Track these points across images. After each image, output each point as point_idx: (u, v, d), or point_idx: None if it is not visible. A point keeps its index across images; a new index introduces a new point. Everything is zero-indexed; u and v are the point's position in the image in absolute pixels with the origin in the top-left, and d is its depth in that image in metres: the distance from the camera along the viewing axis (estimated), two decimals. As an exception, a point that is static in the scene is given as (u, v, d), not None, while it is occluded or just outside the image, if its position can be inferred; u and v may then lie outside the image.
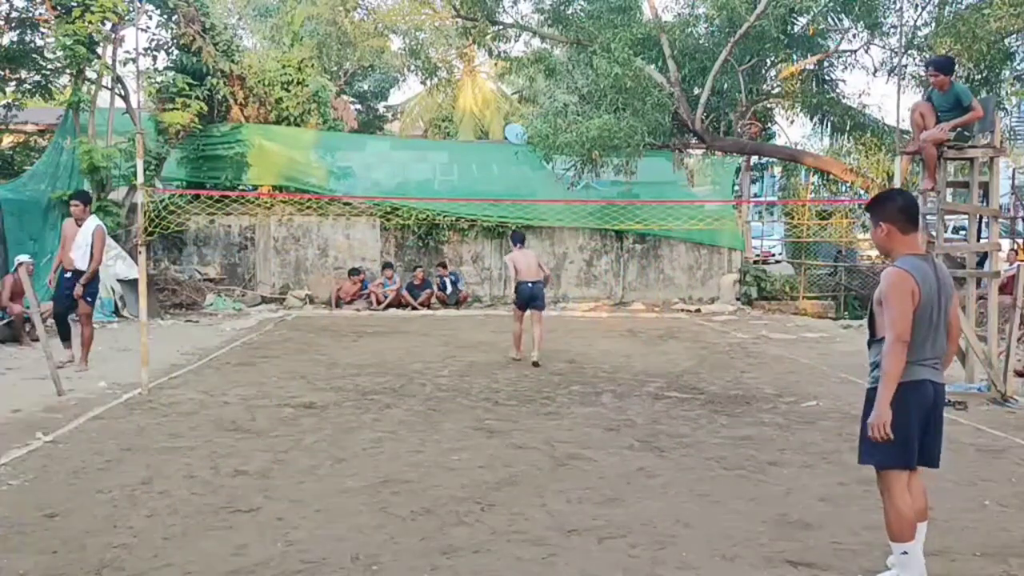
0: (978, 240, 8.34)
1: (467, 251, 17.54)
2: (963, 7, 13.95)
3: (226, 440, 6.06)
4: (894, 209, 3.55)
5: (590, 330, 13.36)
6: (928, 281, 3.44)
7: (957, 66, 8.68)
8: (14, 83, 14.28)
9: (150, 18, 15.18)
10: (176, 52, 15.54)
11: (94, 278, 8.79)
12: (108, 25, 12.72)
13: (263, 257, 17.00)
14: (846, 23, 15.79)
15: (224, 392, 7.82)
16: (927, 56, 14.07)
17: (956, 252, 9.95)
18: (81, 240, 8.67)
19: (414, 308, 15.98)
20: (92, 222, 8.82)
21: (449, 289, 16.43)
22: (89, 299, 8.78)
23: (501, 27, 17.56)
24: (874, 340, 3.63)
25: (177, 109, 14.25)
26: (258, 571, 3.79)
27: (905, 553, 3.56)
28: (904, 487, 3.57)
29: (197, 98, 14.54)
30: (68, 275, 8.73)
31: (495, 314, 15.68)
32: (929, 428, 3.58)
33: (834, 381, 8.88)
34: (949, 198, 8.84)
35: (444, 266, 16.82)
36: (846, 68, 18.55)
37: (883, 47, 15.76)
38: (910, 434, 3.50)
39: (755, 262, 18.51)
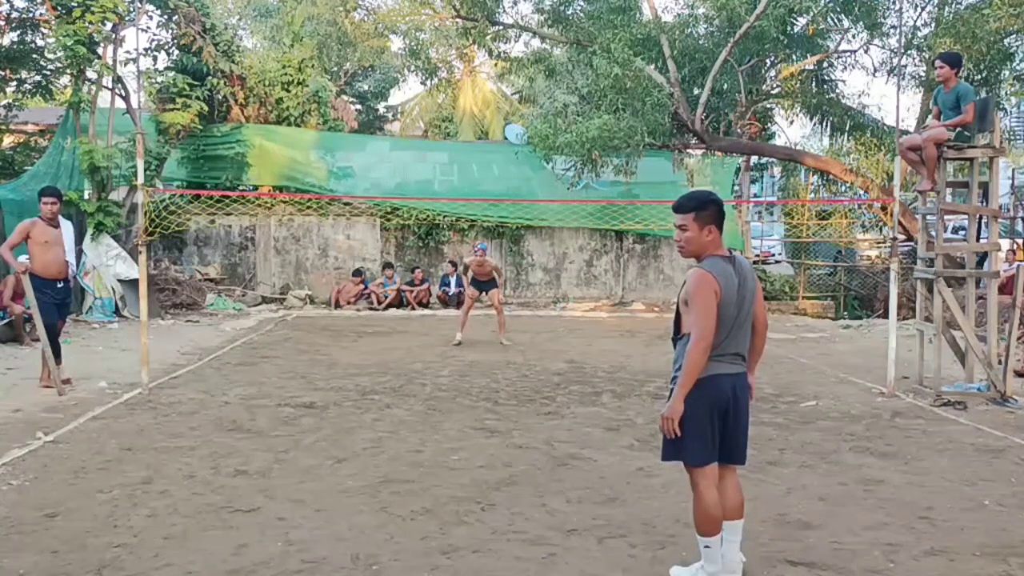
0: (978, 240, 8.34)
1: (467, 251, 17.52)
2: (963, 7, 13.94)
3: (226, 440, 6.06)
4: (717, 212, 3.57)
5: (590, 330, 13.36)
6: (729, 281, 3.49)
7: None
8: (14, 83, 14.28)
9: (150, 18, 15.18)
10: (176, 52, 15.54)
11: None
12: (108, 25, 12.71)
13: (263, 257, 17.01)
14: (846, 23, 15.78)
15: (224, 392, 7.82)
16: (927, 56, 14.07)
17: (956, 252, 9.95)
18: (68, 244, 7.97)
19: (413, 308, 15.98)
20: (65, 221, 8.09)
21: (452, 289, 16.42)
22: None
23: (501, 27, 17.55)
24: (679, 338, 3.65)
25: (177, 109, 14.25)
26: (258, 571, 3.79)
27: (708, 547, 3.59)
28: (710, 483, 3.57)
29: (197, 98, 14.53)
30: (59, 285, 7.91)
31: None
32: (730, 423, 3.58)
33: (834, 381, 8.89)
34: (949, 198, 8.84)
35: (454, 265, 16.87)
36: (846, 68, 18.55)
37: (883, 47, 15.76)
38: (707, 430, 3.52)
39: (755, 262, 18.50)
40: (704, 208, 3.55)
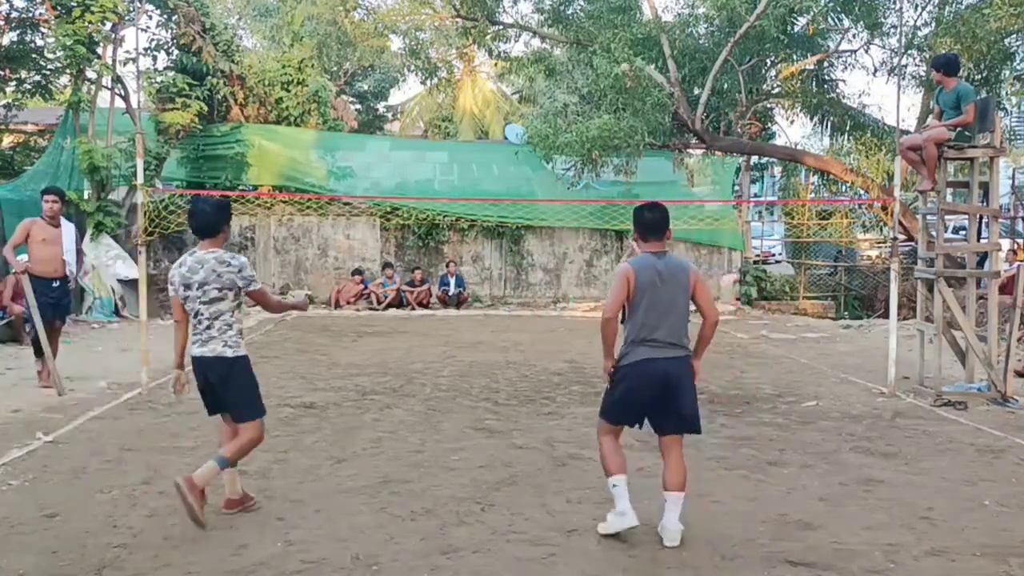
0: (978, 240, 8.34)
1: (467, 251, 17.54)
2: (963, 7, 13.93)
3: (226, 440, 6.05)
4: (636, 223, 4.31)
5: (590, 330, 13.35)
6: (648, 273, 4.09)
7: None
8: (14, 83, 14.28)
9: (150, 18, 15.20)
10: (176, 52, 15.54)
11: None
12: (108, 25, 12.71)
13: (263, 257, 17.00)
14: (846, 23, 15.77)
15: (224, 392, 7.81)
16: (927, 56, 14.06)
17: (956, 252, 9.94)
18: (67, 244, 8.03)
19: (413, 308, 15.98)
20: (67, 222, 8.18)
21: (452, 289, 16.41)
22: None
23: (501, 27, 17.54)
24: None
25: (177, 109, 14.25)
26: (258, 571, 3.79)
27: (615, 486, 4.19)
28: (607, 435, 4.28)
29: (197, 98, 14.53)
30: (56, 283, 7.91)
31: (495, 314, 15.70)
32: (667, 399, 4.11)
33: (834, 381, 8.88)
34: (949, 198, 8.84)
35: (456, 264, 16.89)
36: (846, 68, 18.57)
37: (883, 47, 15.75)
38: (628, 402, 4.18)
39: (755, 262, 18.50)
40: (665, 222, 4.26)
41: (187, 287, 4.39)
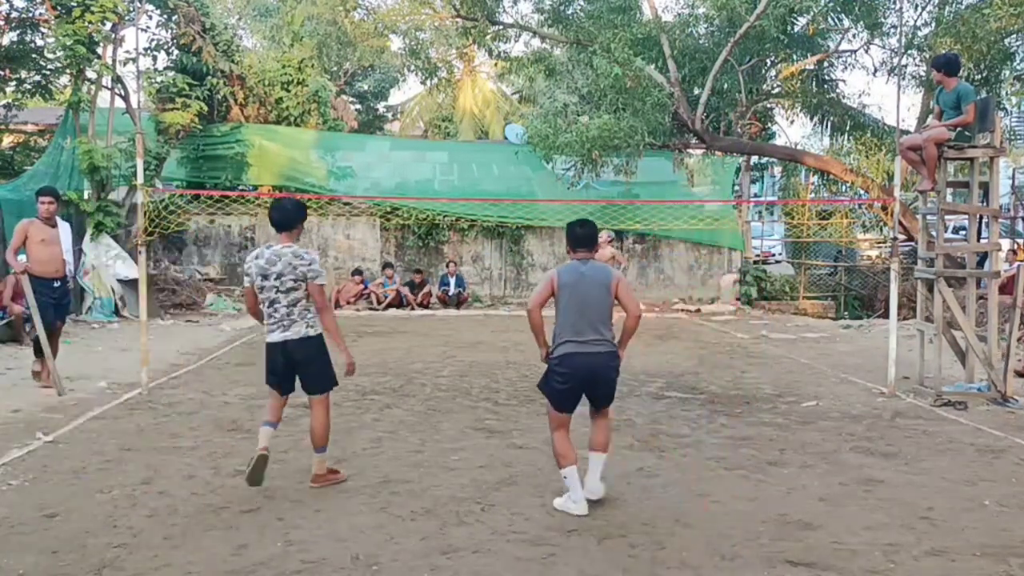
0: (978, 240, 8.34)
1: (467, 251, 17.54)
2: (963, 7, 13.93)
3: (226, 440, 6.06)
4: (567, 236, 4.88)
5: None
6: (571, 275, 4.66)
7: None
8: (14, 83, 14.27)
9: (150, 18, 15.19)
10: (176, 52, 15.54)
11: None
12: (108, 25, 12.70)
13: (263, 257, 16.97)
14: (846, 23, 15.78)
15: (224, 392, 7.82)
16: (927, 56, 14.06)
17: (956, 252, 9.94)
18: (65, 244, 8.06)
19: (413, 308, 15.98)
20: (63, 222, 8.16)
21: (452, 289, 16.41)
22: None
23: (501, 27, 17.53)
24: None
25: (177, 109, 14.24)
26: (258, 571, 3.79)
27: (565, 478, 4.62)
28: (558, 430, 4.73)
29: (197, 98, 14.53)
30: (56, 283, 7.90)
31: (495, 314, 15.69)
32: (595, 386, 4.70)
33: (834, 381, 8.88)
34: (949, 198, 8.84)
35: (456, 264, 16.90)
36: (846, 68, 18.57)
37: (883, 47, 15.75)
38: (559, 391, 4.70)
39: (755, 262, 18.50)
40: (594, 236, 4.89)
41: (264, 277, 4.88)
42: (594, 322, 4.62)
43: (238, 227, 17.01)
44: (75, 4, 12.41)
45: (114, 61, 13.59)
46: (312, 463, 5.08)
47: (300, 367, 5.03)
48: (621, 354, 4.77)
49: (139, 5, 13.25)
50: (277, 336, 4.96)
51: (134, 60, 12.11)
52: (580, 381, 4.65)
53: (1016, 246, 14.33)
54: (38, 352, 7.91)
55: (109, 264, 13.26)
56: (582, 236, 4.78)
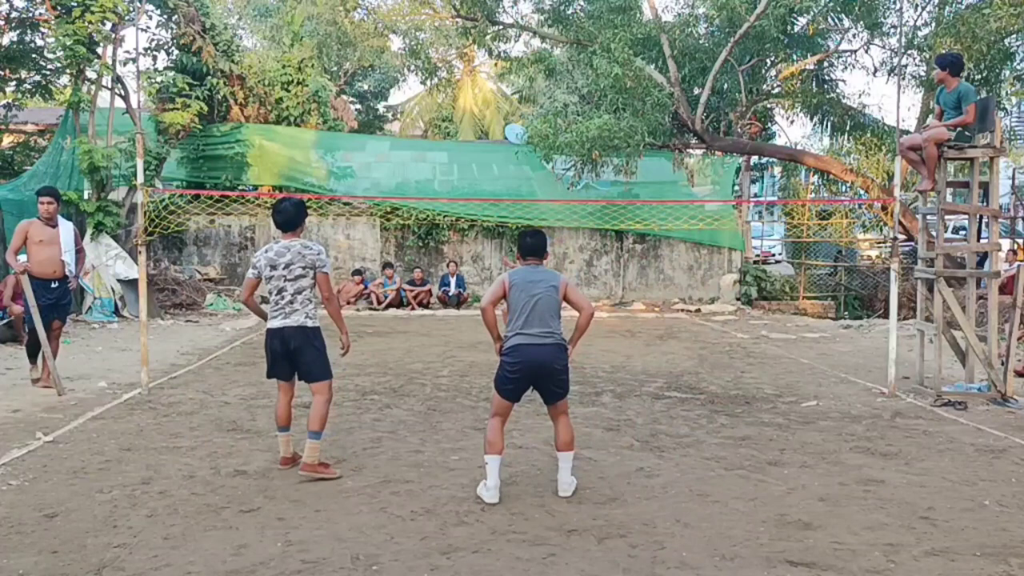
0: (978, 240, 8.34)
1: (467, 251, 17.55)
2: (963, 7, 13.94)
3: (226, 440, 6.06)
4: (519, 244, 5.13)
5: (590, 330, 13.33)
6: (522, 278, 4.93)
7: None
8: (14, 83, 14.28)
9: (150, 18, 15.21)
10: (176, 52, 15.55)
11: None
12: (108, 25, 12.70)
13: (263, 257, 16.98)
14: (846, 23, 15.79)
15: (224, 392, 7.82)
16: (927, 56, 14.07)
17: (956, 252, 9.94)
18: (66, 244, 7.92)
19: (413, 308, 15.98)
20: (65, 222, 8.07)
21: (452, 289, 16.41)
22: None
23: (501, 27, 17.55)
24: None
25: (177, 109, 14.25)
26: (258, 571, 3.79)
27: (488, 464, 4.80)
28: (496, 412, 4.96)
29: (197, 98, 14.53)
30: (55, 284, 7.83)
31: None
32: (543, 378, 4.89)
33: (834, 381, 8.88)
34: (949, 198, 8.84)
35: (457, 264, 16.90)
36: (846, 68, 18.59)
37: (883, 47, 15.77)
38: (506, 378, 4.90)
39: (755, 262, 18.51)
40: (518, 243, 5.20)
41: (273, 267, 5.21)
42: (544, 317, 4.89)
43: (238, 227, 17.01)
44: (75, 4, 12.42)
45: (114, 61, 13.60)
46: (305, 447, 5.18)
47: (295, 355, 5.28)
48: (571, 350, 5.02)
49: (139, 5, 13.26)
50: (277, 323, 5.24)
51: (134, 60, 12.13)
52: (528, 371, 4.87)
53: (1016, 246, 14.33)
54: (32, 357, 7.92)
55: (109, 264, 13.26)
56: (532, 245, 5.09)
